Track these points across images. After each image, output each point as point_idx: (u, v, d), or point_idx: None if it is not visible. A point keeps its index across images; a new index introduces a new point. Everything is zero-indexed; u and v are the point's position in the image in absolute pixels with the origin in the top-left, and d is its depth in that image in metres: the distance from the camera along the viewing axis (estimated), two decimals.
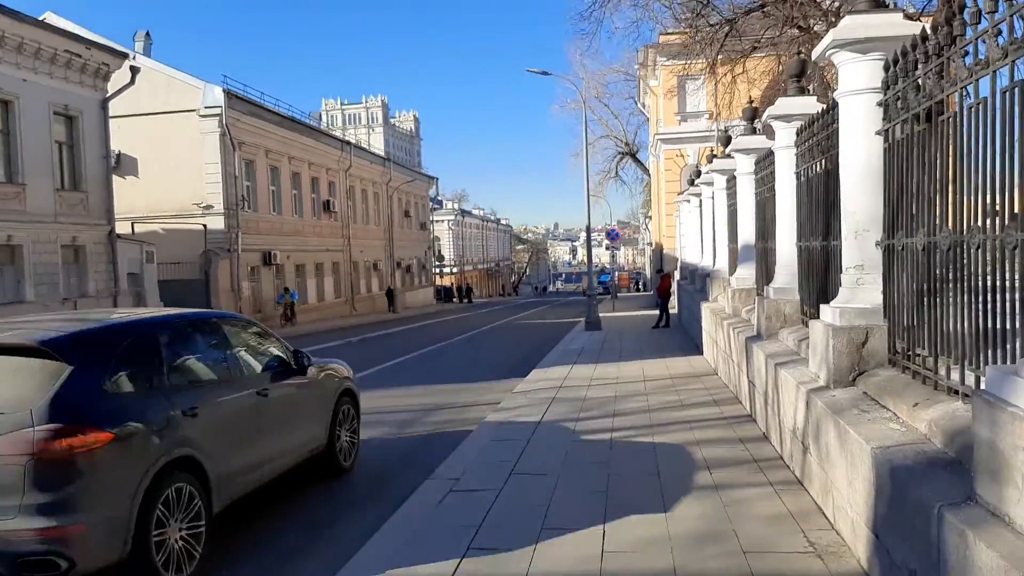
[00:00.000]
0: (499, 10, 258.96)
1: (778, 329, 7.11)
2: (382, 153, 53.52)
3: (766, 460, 5.87)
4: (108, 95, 20.88)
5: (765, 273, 8.41)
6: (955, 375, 3.55)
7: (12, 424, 3.71)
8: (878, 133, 4.60)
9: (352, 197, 38.39)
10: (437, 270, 61.62)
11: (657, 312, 19.94)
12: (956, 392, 3.54)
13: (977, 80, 3.28)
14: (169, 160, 25.66)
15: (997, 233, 3.11)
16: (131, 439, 4.10)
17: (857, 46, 4.66)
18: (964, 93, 3.47)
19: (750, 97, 11.26)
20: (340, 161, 36.72)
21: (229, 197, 26.54)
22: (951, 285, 3.61)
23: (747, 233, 9.70)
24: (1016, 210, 2.98)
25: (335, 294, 35.53)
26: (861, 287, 4.83)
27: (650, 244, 44.13)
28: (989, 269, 3.20)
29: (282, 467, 5.73)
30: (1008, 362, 2.99)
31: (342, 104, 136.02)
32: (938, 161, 3.82)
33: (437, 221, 67.43)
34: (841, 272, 5.10)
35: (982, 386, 3.17)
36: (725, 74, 16.74)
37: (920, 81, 3.91)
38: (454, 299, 55.75)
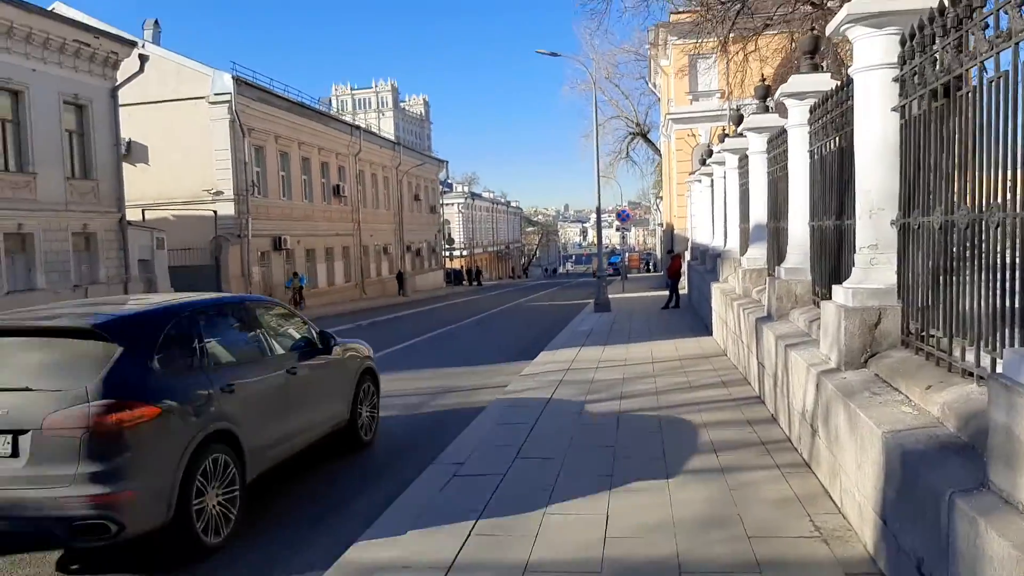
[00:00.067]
0: None
1: (789, 310, 7.00)
2: (392, 137, 53.44)
3: (774, 442, 5.79)
4: (117, 84, 20.88)
5: (777, 253, 8.27)
6: (970, 356, 3.44)
7: (69, 400, 4.01)
8: (894, 109, 4.46)
9: (362, 181, 38.32)
10: (447, 253, 61.54)
11: (667, 293, 19.80)
12: (971, 374, 3.43)
13: (998, 53, 3.14)
14: (179, 147, 25.68)
15: (1017, 211, 2.99)
16: (175, 413, 4.42)
17: (872, 20, 4.50)
18: (983, 69, 3.33)
19: (762, 75, 11.08)
20: (350, 146, 36.62)
21: (239, 183, 26.56)
22: (968, 265, 3.49)
23: (759, 213, 9.55)
24: None
25: (345, 278, 35.59)
26: (875, 267, 4.71)
27: (661, 225, 43.76)
28: (1008, 248, 3.08)
29: (308, 440, 6.05)
30: None
31: (352, 89, 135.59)
32: (956, 137, 3.68)
33: (447, 204, 67.18)
34: (854, 252, 4.98)
35: (998, 369, 3.07)
36: (737, 52, 16.44)
37: (938, 55, 3.77)
38: (464, 282, 55.73)
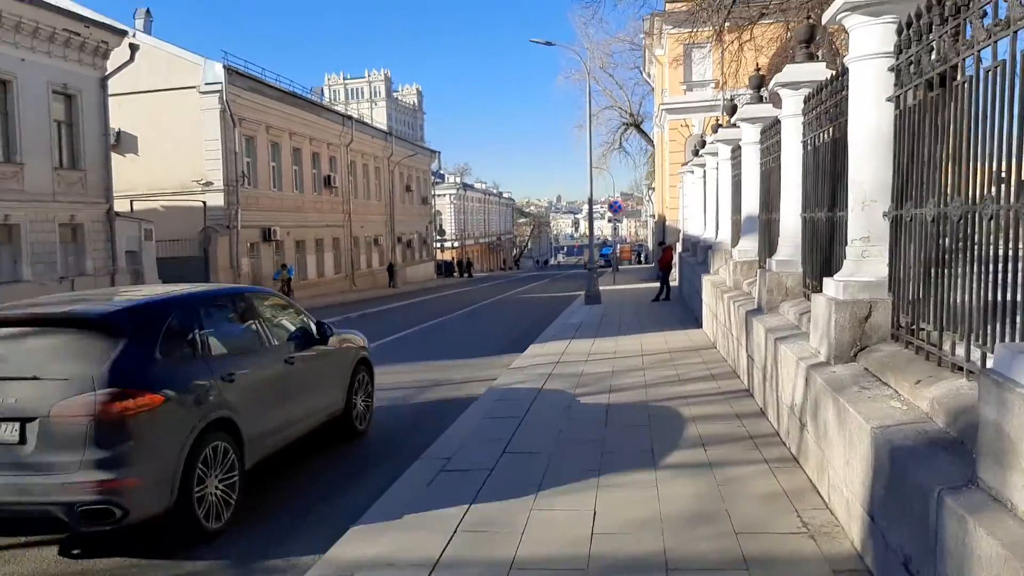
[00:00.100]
0: None
1: (779, 303, 6.95)
2: (384, 127, 52.95)
3: (762, 437, 5.75)
4: (107, 73, 20.66)
5: (768, 245, 8.22)
6: (960, 351, 3.39)
7: (75, 389, 4.11)
8: (889, 99, 4.39)
9: (353, 172, 38.08)
10: (438, 244, 61.38)
11: (658, 285, 19.76)
12: (961, 369, 3.38)
13: (996, 42, 3.07)
14: (169, 137, 25.44)
15: (1012, 203, 2.93)
16: (178, 402, 4.51)
17: (869, 8, 4.43)
18: (979, 58, 3.26)
19: (757, 65, 10.97)
20: (341, 136, 36.35)
21: (229, 173, 26.34)
22: (961, 258, 3.43)
23: (751, 204, 9.49)
24: None
25: (335, 270, 35.41)
26: (866, 259, 4.65)
27: (653, 216, 43.72)
28: (1002, 241, 3.02)
29: (305, 428, 6.15)
30: (1018, 339, 2.82)
31: (345, 79, 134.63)
32: (951, 128, 3.62)
33: (439, 195, 66.97)
34: (846, 244, 4.92)
35: (989, 364, 3.01)
36: (732, 42, 16.32)
37: (934, 44, 3.70)
38: (455, 274, 55.59)
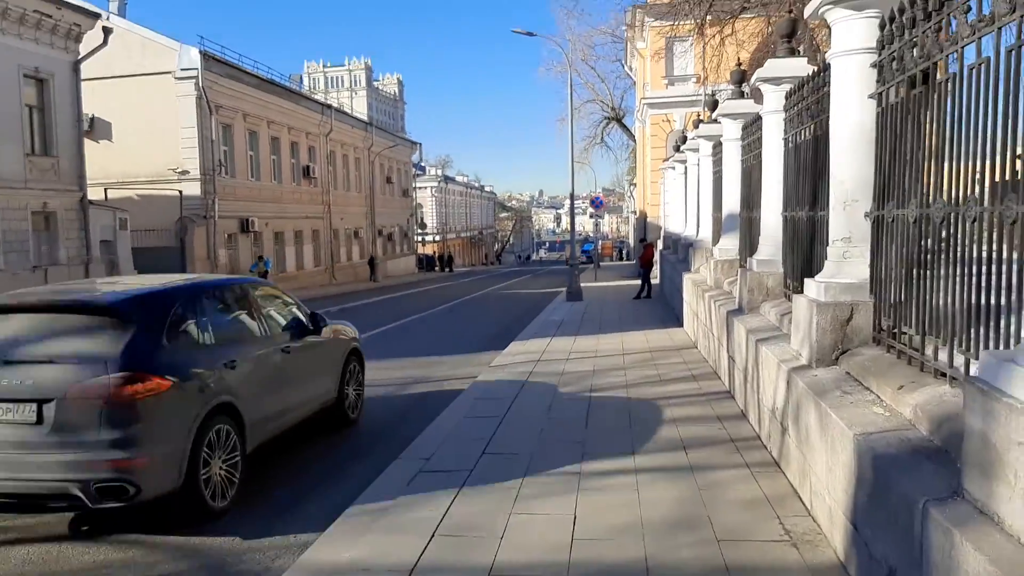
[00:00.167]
0: None
1: (760, 303, 6.91)
2: (364, 117, 52.26)
3: (743, 440, 5.71)
4: (80, 57, 20.10)
5: (749, 244, 8.19)
6: (943, 356, 3.36)
7: (89, 372, 4.32)
8: (871, 96, 4.35)
9: (333, 163, 37.62)
10: (419, 238, 60.94)
11: (639, 282, 19.76)
12: (944, 375, 3.35)
13: (980, 39, 3.02)
14: (144, 124, 24.86)
15: (996, 205, 2.88)
16: (186, 386, 4.72)
17: (852, 2, 4.38)
18: (963, 55, 3.21)
19: (738, 60, 10.92)
20: (320, 125, 35.88)
21: (206, 162, 25.85)
22: (943, 261, 3.39)
23: (732, 202, 9.46)
24: (1020, 180, 2.74)
25: (315, 262, 34.99)
26: (847, 261, 4.61)
27: (634, 212, 43.75)
28: (985, 243, 2.97)
29: (301, 416, 6.33)
30: (1003, 346, 2.77)
31: (324, 67, 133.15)
32: (934, 127, 3.57)
33: (420, 188, 66.37)
34: (827, 244, 4.88)
35: (972, 370, 2.97)
36: (714, 36, 16.31)
37: (918, 40, 3.64)
38: (436, 268, 55.31)
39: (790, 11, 7.56)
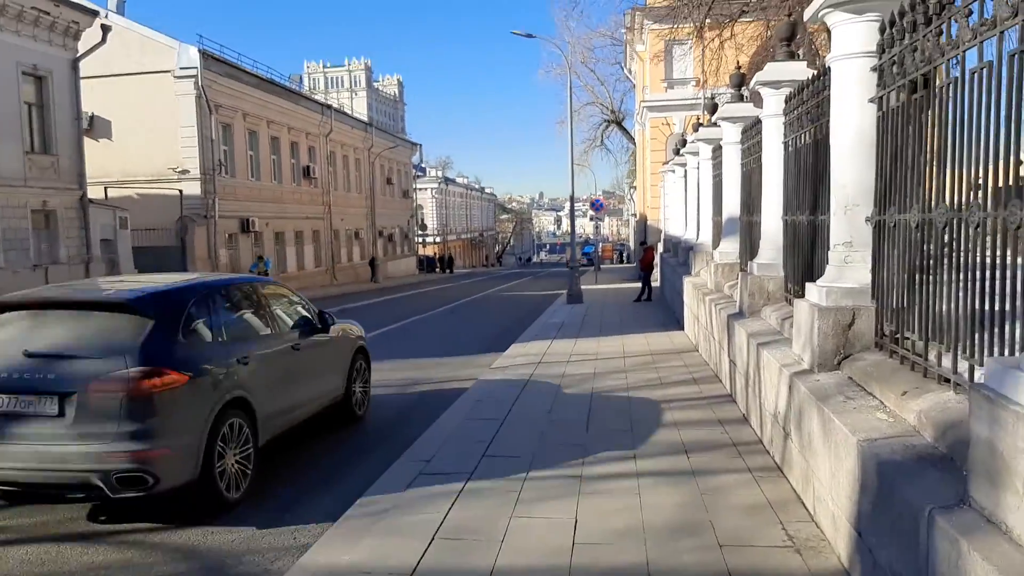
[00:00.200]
0: None
1: (761, 307, 6.90)
2: (364, 118, 52.22)
3: (745, 444, 5.70)
4: (79, 55, 20.05)
5: (749, 248, 8.18)
6: (946, 362, 3.34)
7: (110, 366, 4.47)
8: (871, 100, 4.33)
9: (333, 163, 37.60)
10: (420, 239, 60.87)
11: (639, 285, 19.75)
12: (947, 381, 3.33)
13: (982, 42, 3.01)
14: (144, 123, 24.83)
15: (999, 210, 2.86)
16: (201, 381, 4.85)
17: (852, 6, 4.36)
18: (964, 59, 3.20)
19: (738, 63, 10.93)
20: (321, 126, 35.86)
21: (206, 162, 25.82)
22: (946, 266, 3.38)
23: (732, 206, 9.45)
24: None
25: (315, 263, 34.95)
26: (849, 265, 4.60)
27: (634, 215, 43.69)
28: (989, 249, 2.96)
29: (310, 412, 6.50)
30: (1008, 353, 2.76)
31: (324, 67, 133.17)
32: (936, 131, 3.56)
33: (420, 189, 66.28)
34: (828, 249, 4.86)
35: (977, 377, 2.96)
36: (713, 39, 16.31)
37: (919, 44, 3.63)
38: (436, 269, 55.27)
39: (789, 15, 7.55)
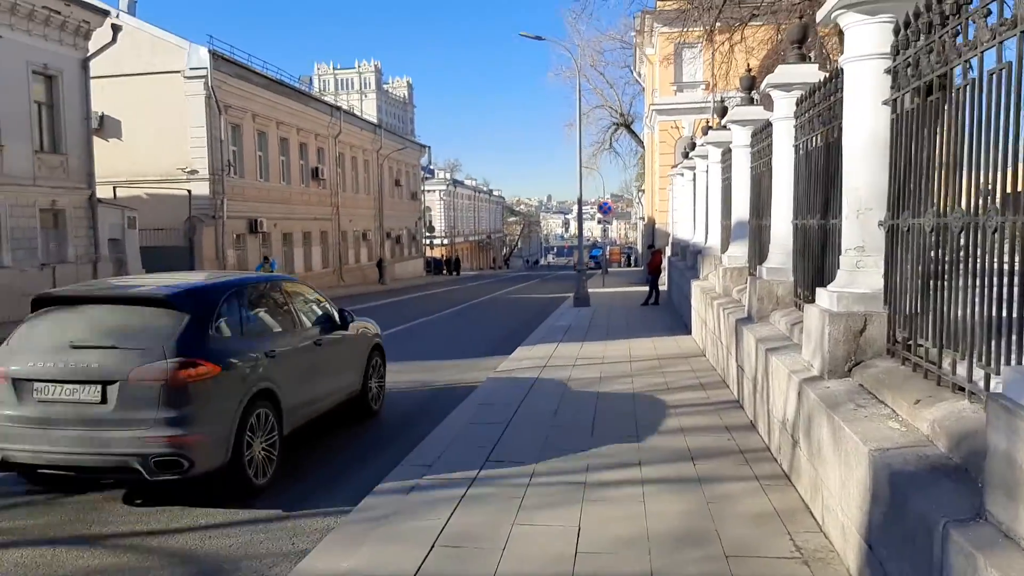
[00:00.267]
0: None
1: (770, 312, 6.80)
2: (374, 120, 52.40)
3: (752, 451, 5.60)
4: (89, 54, 20.16)
5: (758, 252, 8.09)
6: (961, 370, 3.25)
7: (149, 357, 4.78)
8: (885, 103, 4.25)
9: (342, 164, 37.66)
10: (427, 241, 60.90)
11: (647, 289, 19.64)
12: (962, 389, 3.24)
13: (1001, 43, 2.92)
14: (153, 123, 24.93)
15: (1018, 215, 2.78)
16: (232, 372, 5.16)
17: (865, 7, 4.28)
18: (983, 60, 3.11)
19: (748, 66, 10.84)
20: (330, 127, 35.92)
21: (214, 162, 25.89)
22: (961, 271, 3.29)
23: (741, 209, 9.35)
24: None
25: (323, 264, 34.99)
26: (861, 270, 4.51)
27: (642, 218, 43.58)
28: (1007, 255, 2.87)
29: (329, 405, 6.76)
30: None
31: (335, 69, 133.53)
32: (952, 134, 3.47)
33: (428, 191, 66.29)
34: (840, 253, 4.78)
35: (993, 386, 2.87)
36: (723, 43, 16.22)
37: (934, 45, 3.54)
38: (443, 271, 55.28)
39: (800, 17, 7.45)
